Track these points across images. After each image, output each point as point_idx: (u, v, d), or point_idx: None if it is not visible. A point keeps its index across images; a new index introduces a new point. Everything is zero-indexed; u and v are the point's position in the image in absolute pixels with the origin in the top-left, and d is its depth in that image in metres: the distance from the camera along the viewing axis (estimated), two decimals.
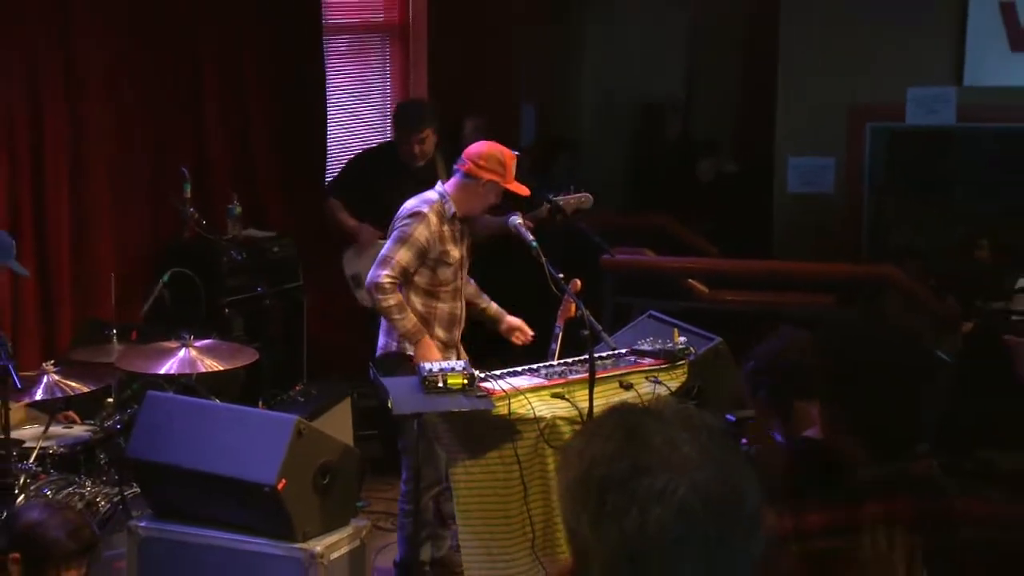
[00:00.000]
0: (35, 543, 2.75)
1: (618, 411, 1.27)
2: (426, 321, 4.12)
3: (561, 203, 4.49)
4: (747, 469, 1.19)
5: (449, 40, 6.72)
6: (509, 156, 4.14)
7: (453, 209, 4.11)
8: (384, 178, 5.18)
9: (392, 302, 4.01)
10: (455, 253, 4.15)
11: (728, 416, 3.99)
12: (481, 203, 4.15)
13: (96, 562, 3.49)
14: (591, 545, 1.19)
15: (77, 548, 2.76)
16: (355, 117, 6.38)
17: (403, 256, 4.03)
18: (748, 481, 1.19)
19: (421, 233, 4.06)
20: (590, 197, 4.60)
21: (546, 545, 3.63)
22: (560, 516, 3.56)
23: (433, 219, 4.08)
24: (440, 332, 4.16)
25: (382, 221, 5.14)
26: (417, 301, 4.13)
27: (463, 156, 4.16)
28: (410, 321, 4.04)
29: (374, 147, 5.91)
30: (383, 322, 4.20)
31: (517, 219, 4.12)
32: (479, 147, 4.21)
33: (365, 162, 5.55)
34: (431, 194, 4.17)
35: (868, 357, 1.84)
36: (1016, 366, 3.86)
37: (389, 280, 4.00)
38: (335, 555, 3.31)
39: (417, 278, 4.11)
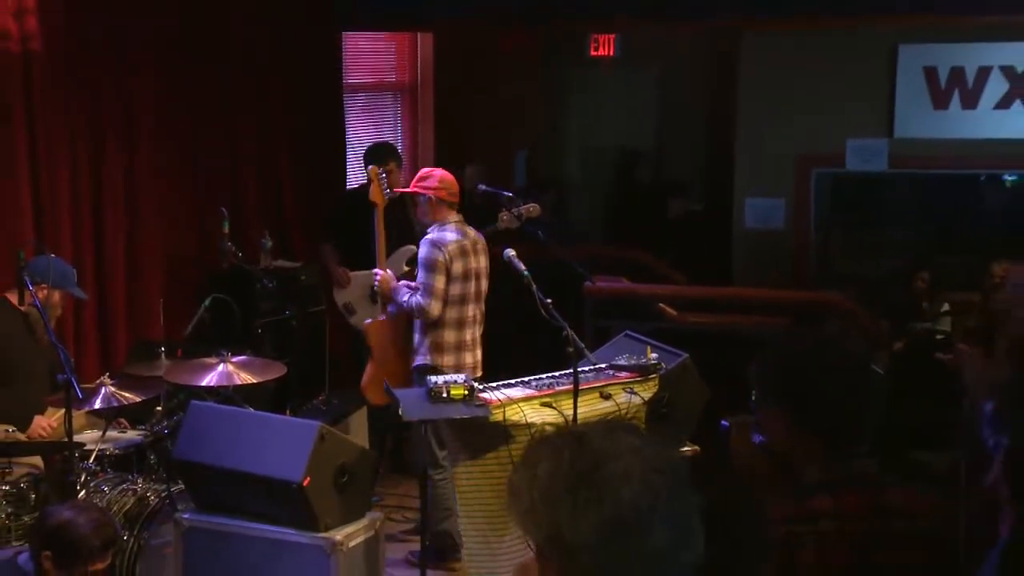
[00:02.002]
0: (65, 541, 2.69)
1: (552, 436, 1.28)
2: None
3: (516, 214, 4.54)
4: (671, 444, 1.25)
5: (452, 97, 6.77)
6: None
7: None
8: (361, 214, 5.12)
9: None
10: None
11: (723, 422, 3.98)
12: None
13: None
14: (576, 541, 1.18)
15: (101, 544, 2.72)
16: None
17: None
18: (677, 450, 1.24)
19: None
20: (537, 207, 4.63)
21: None
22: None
23: None
24: None
25: (362, 253, 5.01)
26: None
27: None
28: None
29: (351, 190, 5.77)
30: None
31: (510, 252, 4.09)
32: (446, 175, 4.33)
33: (345, 202, 5.48)
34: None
35: (823, 369, 1.86)
36: (963, 376, 3.83)
37: None
38: (353, 543, 3.30)
39: None
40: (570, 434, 1.25)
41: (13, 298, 3.79)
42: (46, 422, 3.80)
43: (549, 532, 1.20)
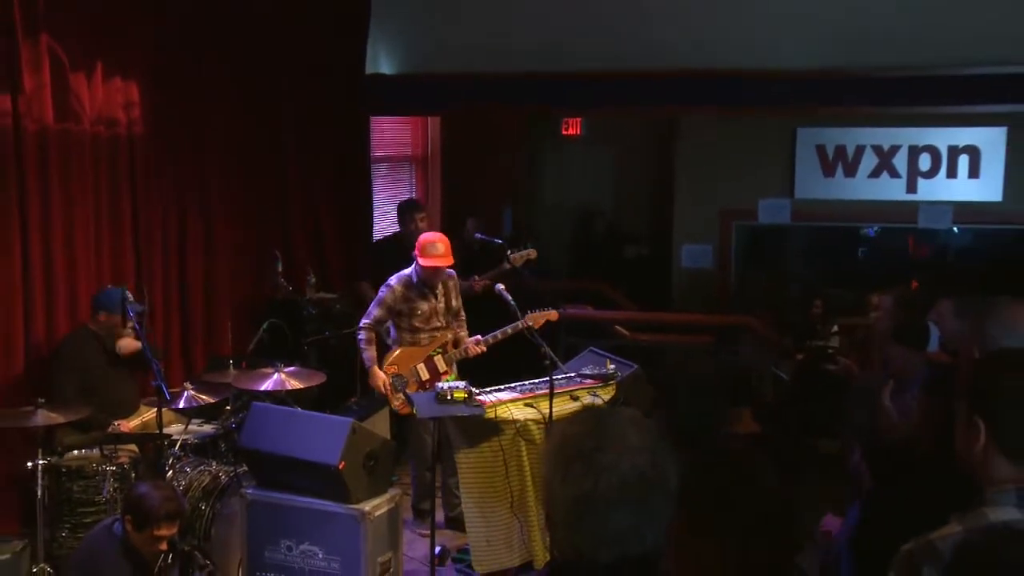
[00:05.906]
0: (140, 508, 2.76)
1: (592, 409, 1.27)
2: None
3: (513, 258, 4.51)
4: (672, 457, 1.22)
5: (456, 166, 6.87)
6: (426, 241, 4.18)
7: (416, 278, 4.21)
8: (396, 257, 5.12)
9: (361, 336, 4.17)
10: (423, 306, 4.20)
11: None
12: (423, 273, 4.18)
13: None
14: (557, 495, 1.20)
15: (168, 513, 2.77)
16: (391, 219, 6.47)
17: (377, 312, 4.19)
18: (672, 466, 1.21)
19: (387, 296, 4.18)
20: (535, 251, 4.63)
21: (520, 505, 3.63)
22: (531, 485, 3.53)
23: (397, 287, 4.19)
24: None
25: None
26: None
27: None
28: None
29: (387, 236, 5.75)
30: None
31: (500, 286, 4.07)
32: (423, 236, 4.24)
33: (383, 247, 5.49)
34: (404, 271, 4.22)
35: (678, 384, 1.90)
36: (847, 381, 3.90)
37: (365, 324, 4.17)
38: (378, 513, 3.31)
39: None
40: (602, 415, 1.23)
41: (92, 325, 3.80)
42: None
43: (545, 477, 1.24)
